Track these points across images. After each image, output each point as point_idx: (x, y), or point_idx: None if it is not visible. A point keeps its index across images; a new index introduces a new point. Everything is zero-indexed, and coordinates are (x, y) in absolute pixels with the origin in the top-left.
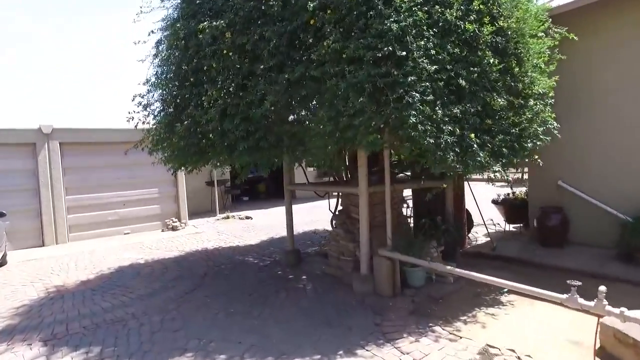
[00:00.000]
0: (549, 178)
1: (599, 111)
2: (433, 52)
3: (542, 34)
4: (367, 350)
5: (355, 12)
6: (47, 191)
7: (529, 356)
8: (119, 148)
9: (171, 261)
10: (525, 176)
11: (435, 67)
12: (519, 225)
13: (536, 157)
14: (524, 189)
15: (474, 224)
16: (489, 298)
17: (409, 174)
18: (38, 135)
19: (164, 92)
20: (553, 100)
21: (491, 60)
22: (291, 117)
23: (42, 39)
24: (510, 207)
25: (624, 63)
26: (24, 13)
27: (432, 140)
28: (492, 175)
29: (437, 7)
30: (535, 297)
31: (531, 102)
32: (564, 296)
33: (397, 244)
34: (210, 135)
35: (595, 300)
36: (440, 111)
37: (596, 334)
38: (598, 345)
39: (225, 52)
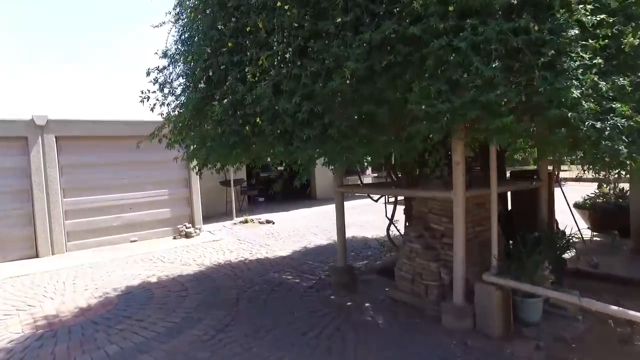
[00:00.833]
0: None
1: None
2: None
3: None
4: None
5: None
6: (41, 193)
7: None
8: (124, 143)
9: (190, 279)
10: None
11: (596, 17)
12: (609, 232)
13: None
14: (610, 190)
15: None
16: None
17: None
18: (30, 127)
19: (191, 63)
20: None
21: None
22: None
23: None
24: (601, 212)
25: None
26: None
27: (597, 124)
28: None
29: None
30: None
31: None
32: None
33: (503, 265)
34: (258, 120)
35: None
36: (603, 83)
37: None
38: None
39: (279, 4)
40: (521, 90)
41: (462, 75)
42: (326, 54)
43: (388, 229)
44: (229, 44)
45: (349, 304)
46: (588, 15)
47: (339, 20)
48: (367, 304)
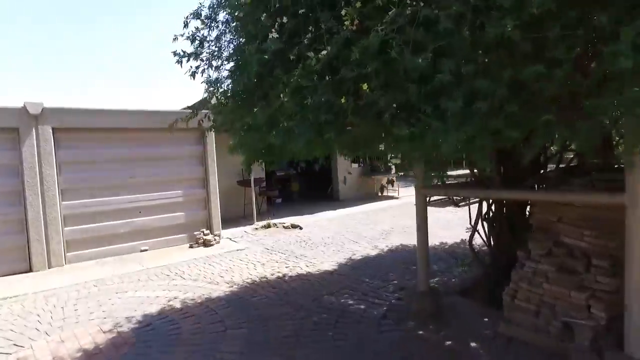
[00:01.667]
0: None
1: None
2: None
3: None
4: None
5: None
6: (35, 195)
7: None
8: (133, 135)
9: (224, 305)
10: None
11: None
12: None
13: None
14: None
15: None
16: None
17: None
18: (22, 116)
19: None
20: None
21: None
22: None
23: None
24: None
25: None
26: None
27: None
28: None
29: None
30: None
31: None
32: None
33: None
34: (365, 86)
35: None
36: None
37: None
38: None
39: None
40: None
41: None
42: None
43: (471, 238)
44: None
45: (447, 343)
46: None
47: None
48: (472, 344)
